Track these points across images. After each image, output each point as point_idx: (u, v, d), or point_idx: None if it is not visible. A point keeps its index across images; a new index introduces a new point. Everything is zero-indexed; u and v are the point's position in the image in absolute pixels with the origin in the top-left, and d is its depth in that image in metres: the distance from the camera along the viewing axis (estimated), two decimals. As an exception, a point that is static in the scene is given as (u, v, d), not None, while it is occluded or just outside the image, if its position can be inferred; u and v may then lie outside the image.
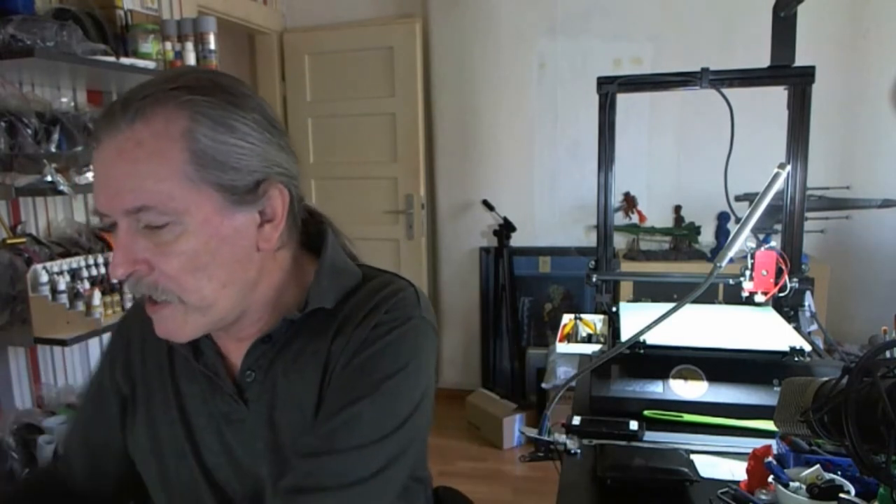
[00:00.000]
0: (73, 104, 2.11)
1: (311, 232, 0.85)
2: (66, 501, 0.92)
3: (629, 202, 3.38)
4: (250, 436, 0.79)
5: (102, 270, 1.93)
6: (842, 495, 0.81)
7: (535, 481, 2.88)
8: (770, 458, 0.90)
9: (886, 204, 3.02)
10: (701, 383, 1.22)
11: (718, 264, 1.28)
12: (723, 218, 3.21)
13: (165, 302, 0.71)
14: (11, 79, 1.86)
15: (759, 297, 1.50)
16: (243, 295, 0.75)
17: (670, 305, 1.19)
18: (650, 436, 1.13)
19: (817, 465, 0.88)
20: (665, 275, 1.68)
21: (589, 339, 1.52)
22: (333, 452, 0.71)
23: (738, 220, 1.36)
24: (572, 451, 1.09)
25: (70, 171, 1.83)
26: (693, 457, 1.02)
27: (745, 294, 1.52)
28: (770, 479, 0.89)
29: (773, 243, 1.47)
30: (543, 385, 2.99)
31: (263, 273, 0.76)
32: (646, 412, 1.18)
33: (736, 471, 1.00)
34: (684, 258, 3.17)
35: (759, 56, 1.52)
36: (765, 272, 1.46)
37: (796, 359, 1.22)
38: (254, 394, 0.80)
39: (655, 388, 1.22)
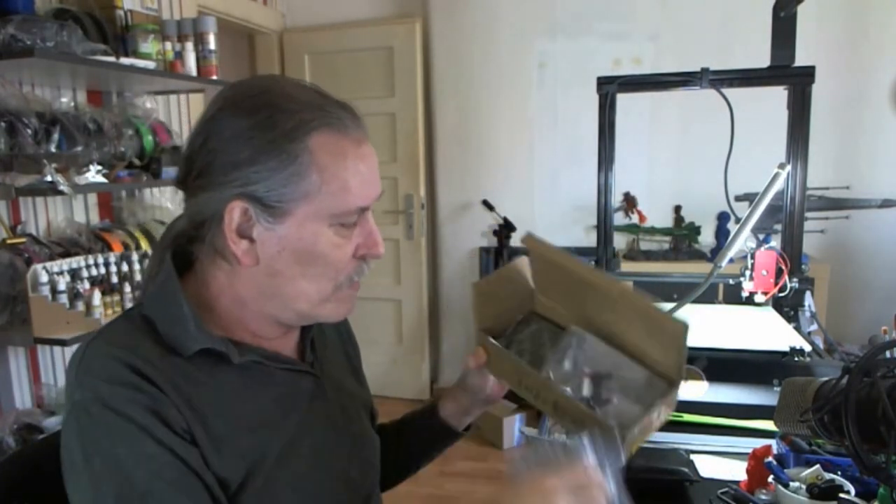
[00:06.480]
0: (73, 104, 2.11)
1: None
2: None
3: (629, 202, 3.38)
4: (330, 395, 0.87)
5: (102, 270, 1.93)
6: (842, 495, 0.81)
7: (535, 481, 2.88)
8: (770, 458, 0.90)
9: (886, 204, 3.02)
10: (701, 383, 1.22)
11: (718, 264, 1.29)
12: (723, 218, 3.21)
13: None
14: (11, 79, 1.86)
15: (759, 297, 1.50)
16: None
17: (670, 305, 1.19)
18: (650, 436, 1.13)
19: (817, 465, 0.88)
20: (665, 275, 1.68)
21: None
22: None
23: (738, 220, 1.37)
24: (572, 451, 1.09)
25: (70, 171, 1.82)
26: (693, 457, 1.02)
27: (745, 294, 1.52)
28: (770, 479, 0.89)
29: (773, 243, 1.48)
30: (543, 385, 2.98)
31: None
32: (646, 412, 1.18)
33: (736, 471, 1.00)
34: (684, 258, 3.17)
35: (759, 56, 1.52)
36: (765, 272, 1.46)
37: (796, 359, 1.22)
38: (316, 365, 0.87)
39: (655, 388, 1.22)
